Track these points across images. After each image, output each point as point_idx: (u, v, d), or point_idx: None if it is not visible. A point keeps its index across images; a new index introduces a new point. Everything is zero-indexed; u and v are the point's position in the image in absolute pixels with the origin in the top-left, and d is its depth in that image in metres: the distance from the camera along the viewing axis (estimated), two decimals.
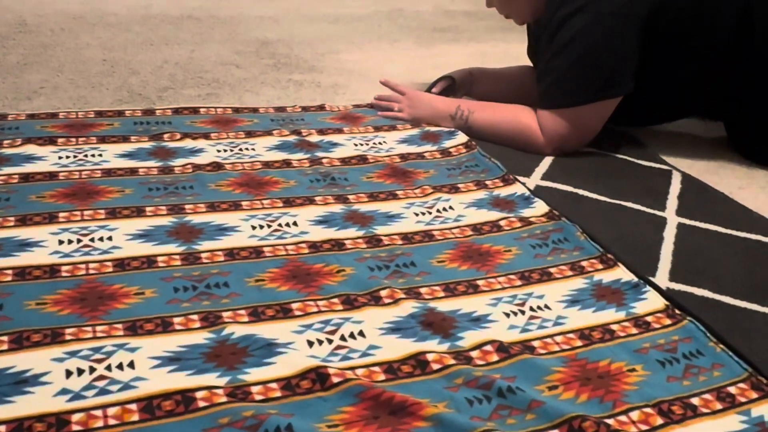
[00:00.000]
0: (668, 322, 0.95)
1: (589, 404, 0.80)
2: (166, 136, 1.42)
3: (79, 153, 1.32)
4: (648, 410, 0.79)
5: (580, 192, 1.33)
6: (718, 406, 0.81)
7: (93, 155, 1.32)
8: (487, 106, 1.56)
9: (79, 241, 1.03)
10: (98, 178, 1.23)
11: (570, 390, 0.82)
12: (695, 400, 0.81)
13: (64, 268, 0.96)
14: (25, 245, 1.01)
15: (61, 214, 1.10)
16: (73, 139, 1.37)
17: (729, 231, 1.23)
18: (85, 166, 1.27)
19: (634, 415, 0.78)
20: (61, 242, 1.02)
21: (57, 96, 1.65)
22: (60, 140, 1.36)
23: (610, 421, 0.76)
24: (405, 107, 1.61)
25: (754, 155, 1.56)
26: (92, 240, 1.04)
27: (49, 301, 0.89)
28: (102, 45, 2.08)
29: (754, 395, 0.82)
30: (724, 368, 0.87)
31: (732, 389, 0.83)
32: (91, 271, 0.96)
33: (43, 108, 1.56)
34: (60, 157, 1.29)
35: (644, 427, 0.77)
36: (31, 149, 1.31)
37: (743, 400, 0.82)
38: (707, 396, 0.82)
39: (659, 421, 0.78)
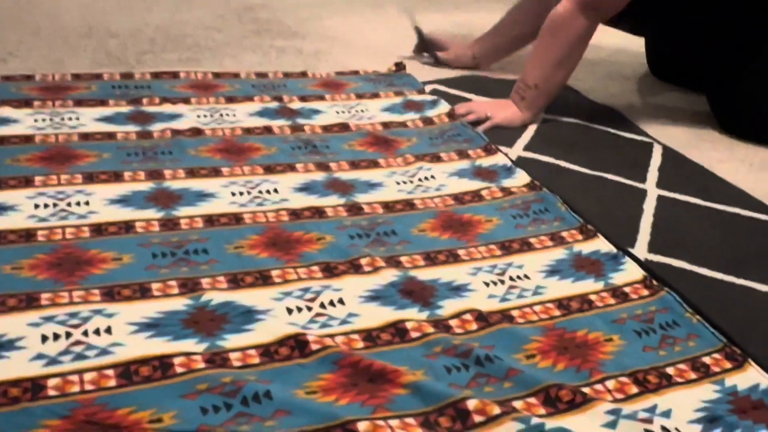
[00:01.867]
0: (646, 293, 0.96)
1: (566, 373, 0.80)
2: (144, 100, 1.40)
3: (56, 116, 1.30)
4: (624, 379, 0.80)
5: (562, 163, 1.33)
6: (693, 375, 0.82)
7: (70, 119, 1.29)
8: (528, 62, 1.48)
9: (55, 205, 1.02)
10: (75, 142, 1.21)
11: (547, 359, 0.82)
12: (670, 370, 0.82)
13: (40, 232, 0.95)
14: (0, 209, 0.99)
15: (37, 178, 1.08)
16: (50, 102, 1.35)
17: (708, 204, 1.24)
18: (62, 129, 1.25)
19: (610, 384, 0.79)
20: (37, 206, 1.01)
21: (33, 58, 1.61)
22: (36, 103, 1.34)
23: (586, 390, 0.77)
24: (490, 111, 1.48)
25: (735, 128, 1.56)
26: (69, 204, 1.02)
27: (24, 266, 0.88)
28: (80, 6, 2.03)
29: (728, 365, 0.84)
30: (699, 339, 0.88)
31: (707, 359, 0.84)
32: (68, 236, 0.95)
33: (18, 70, 1.53)
34: (36, 120, 1.27)
35: (620, 396, 0.78)
36: (6, 112, 1.28)
37: (717, 370, 0.83)
38: (682, 366, 0.83)
39: (634, 389, 0.79)
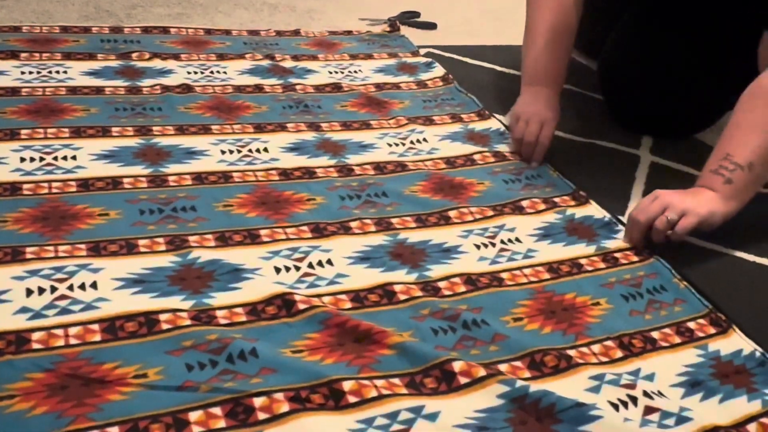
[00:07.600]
0: (635, 258, 0.96)
1: (552, 336, 0.81)
2: (134, 55, 1.37)
3: (43, 69, 1.27)
4: (609, 343, 0.80)
5: (555, 132, 1.31)
6: (677, 340, 0.82)
7: (57, 72, 1.27)
8: (731, 137, 1.03)
9: (41, 159, 1.00)
10: (62, 95, 1.19)
11: (534, 322, 0.83)
12: (655, 334, 0.82)
13: (25, 186, 0.94)
14: None
15: (24, 131, 1.06)
16: (37, 55, 1.32)
17: (700, 172, 1.23)
18: (49, 82, 1.23)
19: (595, 347, 0.80)
20: (23, 160, 0.99)
21: (20, 9, 1.58)
22: (23, 55, 1.31)
23: (571, 353, 0.78)
24: (686, 204, 0.97)
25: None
26: (55, 159, 1.01)
27: (9, 219, 0.87)
28: None
29: (712, 330, 0.84)
30: (685, 304, 0.88)
31: (691, 324, 0.85)
32: (54, 191, 0.94)
33: (4, 21, 1.49)
34: (23, 72, 1.25)
35: (604, 359, 0.78)
36: None
37: (701, 335, 0.83)
38: (667, 330, 0.83)
39: (619, 353, 0.79)
